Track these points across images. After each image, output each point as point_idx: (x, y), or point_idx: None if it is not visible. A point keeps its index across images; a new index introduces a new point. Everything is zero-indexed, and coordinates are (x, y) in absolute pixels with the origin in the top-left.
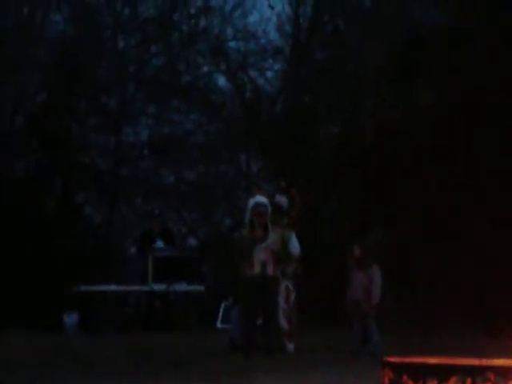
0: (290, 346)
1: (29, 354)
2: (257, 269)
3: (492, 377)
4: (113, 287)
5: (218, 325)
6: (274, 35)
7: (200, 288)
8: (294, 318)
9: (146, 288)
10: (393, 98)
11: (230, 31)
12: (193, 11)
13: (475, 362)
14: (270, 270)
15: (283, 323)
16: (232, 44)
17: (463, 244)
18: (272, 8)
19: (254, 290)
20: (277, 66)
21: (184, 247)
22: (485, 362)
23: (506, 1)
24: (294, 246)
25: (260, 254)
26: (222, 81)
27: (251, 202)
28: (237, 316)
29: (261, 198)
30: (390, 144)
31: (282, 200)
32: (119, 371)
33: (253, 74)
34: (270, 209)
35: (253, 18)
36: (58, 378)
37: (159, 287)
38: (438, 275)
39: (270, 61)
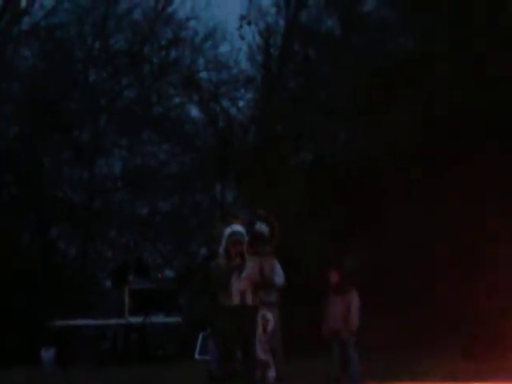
0: (271, 375)
1: None
2: (235, 299)
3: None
4: (89, 321)
5: (196, 356)
6: (245, 65)
7: (177, 319)
8: (278, 347)
9: (122, 321)
10: (366, 125)
11: (201, 62)
12: (163, 43)
13: None
14: (249, 300)
15: (260, 353)
16: (203, 74)
17: (448, 268)
18: (243, 38)
19: (234, 320)
20: (249, 96)
21: (160, 279)
22: None
23: (466, 21)
24: (279, 274)
25: (239, 284)
26: (194, 111)
27: (227, 230)
28: (214, 347)
29: (237, 227)
30: (365, 170)
31: (263, 228)
32: None
33: (225, 103)
34: (245, 237)
35: (224, 48)
36: None
37: (136, 320)
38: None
39: (242, 90)
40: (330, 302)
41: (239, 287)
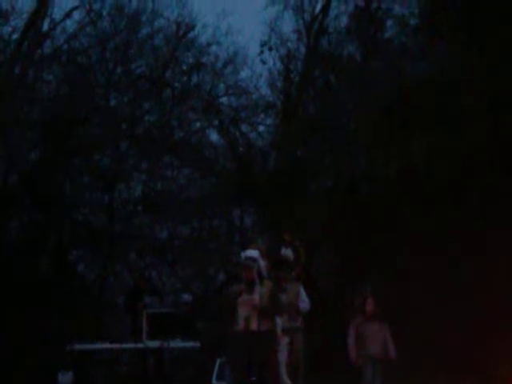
0: None
1: None
2: (240, 324)
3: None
4: (106, 345)
5: (214, 381)
6: (265, 90)
7: (195, 344)
8: (301, 371)
9: (139, 345)
10: (386, 152)
11: (221, 87)
12: (184, 68)
13: None
14: (254, 325)
15: (285, 379)
16: (224, 99)
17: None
18: (264, 63)
19: (240, 345)
20: (269, 121)
21: (178, 303)
22: None
23: (493, 53)
24: (304, 300)
25: (243, 309)
26: (214, 136)
27: (242, 256)
28: (230, 372)
29: (250, 252)
30: (385, 197)
31: (288, 253)
32: None
33: (245, 128)
34: (257, 263)
35: (244, 73)
36: None
37: (153, 344)
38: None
39: (262, 115)
40: (367, 329)
41: (243, 313)
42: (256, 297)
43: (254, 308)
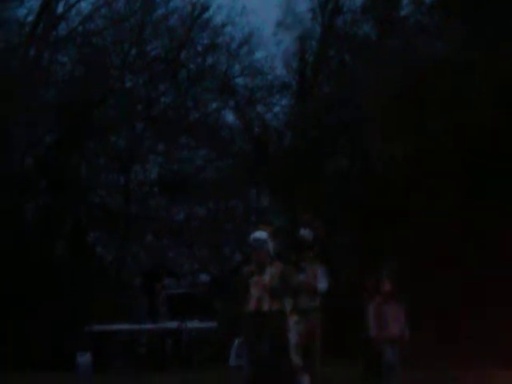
0: (304, 380)
1: None
2: (252, 305)
3: None
4: (125, 326)
5: (231, 361)
6: (280, 71)
7: (212, 325)
8: (317, 352)
9: (158, 326)
10: (403, 131)
11: (237, 68)
12: (200, 49)
13: None
14: (265, 306)
15: (296, 359)
16: (239, 80)
17: (469, 272)
18: (278, 44)
19: (253, 326)
20: (284, 101)
21: (195, 284)
22: None
23: (505, 31)
24: (322, 280)
25: (254, 290)
26: (229, 117)
27: (250, 237)
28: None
29: (259, 233)
30: (400, 176)
31: (306, 233)
32: None
33: (260, 109)
34: (267, 244)
35: (259, 54)
36: None
37: (171, 325)
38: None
39: (277, 96)
40: (387, 310)
41: (255, 294)
42: (266, 277)
43: (265, 289)
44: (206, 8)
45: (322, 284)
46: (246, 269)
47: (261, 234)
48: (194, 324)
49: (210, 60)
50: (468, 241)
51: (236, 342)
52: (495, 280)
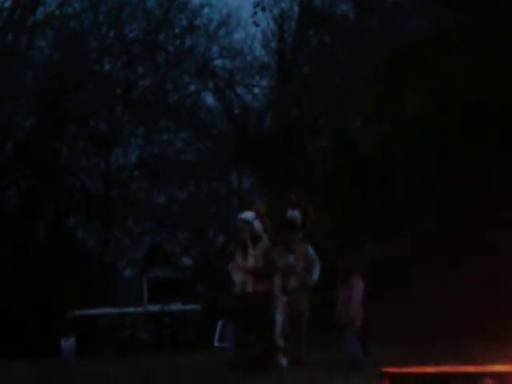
0: (283, 362)
1: (29, 381)
2: (237, 287)
3: (489, 383)
4: (108, 310)
5: (216, 343)
6: (259, 52)
7: (196, 307)
8: (304, 331)
9: (141, 309)
10: (382, 110)
11: (215, 49)
12: (178, 31)
13: (472, 368)
14: (249, 288)
15: (278, 340)
16: (218, 62)
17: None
18: (257, 25)
19: (238, 307)
20: (264, 82)
21: (178, 266)
22: (481, 368)
23: (482, 9)
24: (314, 269)
25: (237, 275)
26: (209, 99)
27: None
28: (231, 334)
29: (244, 214)
30: (382, 156)
31: (295, 214)
32: None
33: (240, 90)
34: (249, 224)
35: (238, 35)
36: None
37: (154, 308)
38: (432, 287)
39: (257, 77)
40: (340, 289)
41: (238, 278)
42: (250, 260)
43: (248, 272)
44: None
45: (314, 274)
46: (229, 247)
47: (246, 215)
48: (177, 307)
49: (188, 42)
50: (455, 217)
51: (220, 323)
52: (480, 261)
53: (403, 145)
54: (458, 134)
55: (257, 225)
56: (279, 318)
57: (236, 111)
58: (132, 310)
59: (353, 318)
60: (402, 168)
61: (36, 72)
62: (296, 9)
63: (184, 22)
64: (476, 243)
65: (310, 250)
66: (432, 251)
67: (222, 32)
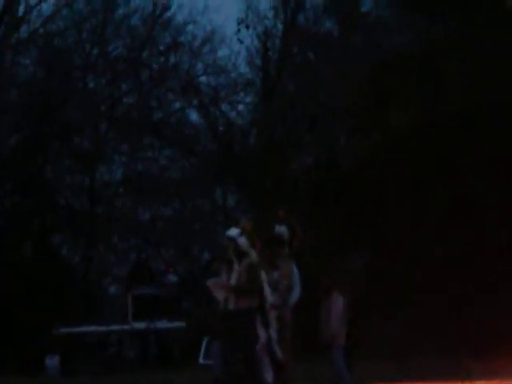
0: (269, 377)
1: None
2: (220, 304)
3: None
4: (93, 328)
5: (201, 360)
6: (244, 68)
7: (181, 324)
8: (288, 348)
9: (126, 327)
10: (367, 124)
11: (200, 66)
12: (162, 48)
13: None
14: (231, 305)
15: (279, 353)
16: (203, 79)
17: (439, 270)
18: (241, 42)
19: (223, 324)
20: (248, 99)
21: (164, 284)
22: None
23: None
24: (295, 289)
25: (218, 292)
26: (194, 116)
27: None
28: (217, 351)
29: (229, 231)
30: (367, 169)
31: (282, 230)
32: None
33: (224, 107)
34: (234, 241)
35: (222, 52)
36: None
37: (140, 325)
38: (418, 300)
39: (242, 94)
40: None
41: (220, 295)
42: (233, 277)
43: (228, 289)
44: (167, 7)
45: (295, 294)
46: (213, 265)
47: (231, 232)
48: (162, 324)
49: (172, 59)
50: (443, 229)
51: (205, 340)
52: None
53: (388, 157)
54: (444, 143)
55: (242, 241)
56: (273, 333)
57: (221, 128)
58: (117, 327)
59: (333, 335)
60: (387, 180)
61: (20, 89)
62: (280, 26)
63: (168, 39)
64: (467, 249)
65: (295, 269)
66: (420, 261)
67: (206, 49)
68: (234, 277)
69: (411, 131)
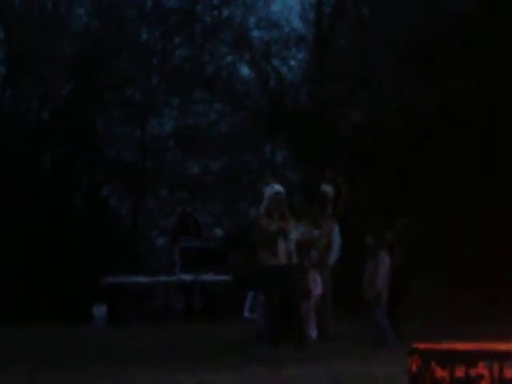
0: (313, 334)
1: (59, 346)
2: (282, 259)
3: None
4: (140, 278)
5: (245, 314)
6: (297, 23)
7: (227, 278)
8: (328, 307)
9: (173, 278)
10: (417, 84)
11: (252, 20)
12: (215, 1)
13: (502, 346)
14: (295, 260)
15: (311, 312)
16: (255, 33)
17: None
18: None
19: (280, 279)
20: (300, 55)
21: (210, 238)
22: None
23: None
24: (335, 248)
25: (285, 245)
26: (245, 71)
27: (268, 190)
28: (262, 305)
29: (278, 187)
30: (415, 130)
31: (328, 189)
32: (148, 362)
33: (276, 62)
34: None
35: (275, 6)
36: (89, 370)
37: (186, 277)
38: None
39: (294, 49)
40: (366, 265)
41: (287, 248)
42: (293, 233)
43: (295, 244)
44: None
45: (334, 253)
46: (263, 223)
47: (280, 188)
48: (209, 277)
49: (225, 13)
50: (491, 196)
51: (250, 294)
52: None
53: (441, 120)
54: (492, 110)
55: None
56: (315, 291)
57: (272, 83)
58: (165, 278)
59: (378, 293)
60: (438, 144)
61: (74, 40)
62: None
63: None
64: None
65: (336, 229)
66: (471, 226)
67: (259, 3)
68: (295, 234)
69: (463, 92)
